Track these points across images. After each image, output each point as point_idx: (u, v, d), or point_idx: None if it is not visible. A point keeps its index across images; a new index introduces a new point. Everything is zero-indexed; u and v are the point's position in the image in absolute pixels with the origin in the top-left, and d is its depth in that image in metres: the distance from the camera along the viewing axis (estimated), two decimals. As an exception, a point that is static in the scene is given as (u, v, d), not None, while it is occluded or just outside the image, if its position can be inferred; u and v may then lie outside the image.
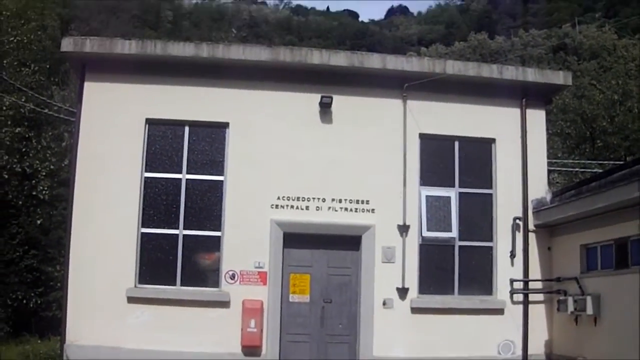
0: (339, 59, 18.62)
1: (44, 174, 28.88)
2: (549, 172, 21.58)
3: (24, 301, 28.73)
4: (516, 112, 19.41)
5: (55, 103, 30.95)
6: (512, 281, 18.73)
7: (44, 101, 29.65)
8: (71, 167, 18.71)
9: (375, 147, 18.59)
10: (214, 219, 18.22)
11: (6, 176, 28.42)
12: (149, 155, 18.39)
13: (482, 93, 19.19)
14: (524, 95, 19.39)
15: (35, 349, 21.51)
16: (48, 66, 33.34)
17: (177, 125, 18.56)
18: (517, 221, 18.92)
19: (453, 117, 19.05)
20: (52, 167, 29.09)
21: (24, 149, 29.44)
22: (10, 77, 29.06)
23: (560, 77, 19.89)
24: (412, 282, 18.31)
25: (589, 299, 16.85)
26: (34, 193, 28.85)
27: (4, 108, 28.23)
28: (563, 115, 40.58)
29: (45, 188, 28.64)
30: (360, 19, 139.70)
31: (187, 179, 18.35)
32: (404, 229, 18.38)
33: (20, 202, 29.69)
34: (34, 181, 29.03)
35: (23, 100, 28.66)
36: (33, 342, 24.76)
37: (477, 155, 19.35)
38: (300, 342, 18.15)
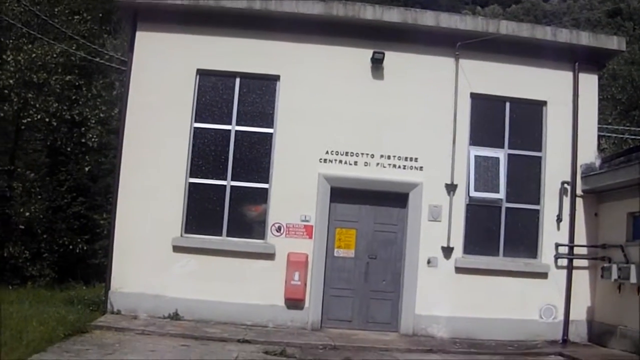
0: (392, 15, 18.48)
1: (93, 121, 29.04)
2: (599, 137, 21.30)
3: (71, 247, 29.07)
4: (568, 75, 19.17)
5: (106, 52, 31.08)
6: (557, 245, 18.65)
7: (95, 49, 29.78)
8: (121, 116, 18.86)
9: (425, 104, 18.49)
10: (262, 171, 18.30)
11: (55, 123, 28.63)
12: (199, 105, 18.49)
13: (535, 55, 18.96)
14: (577, 59, 19.11)
15: (80, 294, 21.71)
16: (100, 15, 33.39)
17: (228, 76, 18.61)
18: (565, 185, 18.80)
19: (505, 78, 18.88)
20: (102, 115, 29.26)
21: (74, 97, 29.62)
22: (61, 25, 29.15)
23: (614, 42, 19.57)
24: (458, 242, 18.34)
25: (633, 268, 16.79)
26: (83, 140, 29.06)
27: (54, 55, 28.34)
28: (614, 81, 40.05)
29: (95, 136, 28.82)
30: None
31: (236, 131, 18.42)
32: (451, 188, 18.35)
33: (69, 149, 29.99)
34: (83, 129, 29.22)
35: (74, 48, 28.77)
36: (78, 288, 25.05)
37: (528, 117, 19.20)
38: (343, 296, 18.28)
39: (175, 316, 17.52)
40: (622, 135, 34.66)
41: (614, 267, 17.38)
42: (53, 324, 14.46)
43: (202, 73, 18.55)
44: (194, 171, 18.27)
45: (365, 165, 18.26)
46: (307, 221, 18.01)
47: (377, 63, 18.42)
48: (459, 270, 18.25)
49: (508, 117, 19.09)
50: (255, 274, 17.77)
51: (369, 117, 18.37)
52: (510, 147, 18.99)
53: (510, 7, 61.68)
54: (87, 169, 29.77)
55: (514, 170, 18.91)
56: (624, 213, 17.87)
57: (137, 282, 17.70)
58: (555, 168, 18.86)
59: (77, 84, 29.92)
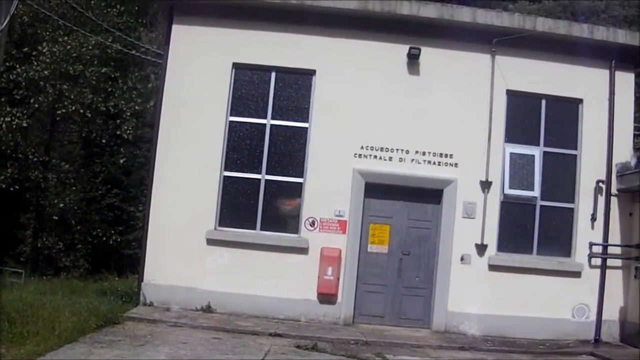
0: (429, 10, 18.32)
1: (128, 114, 29.36)
2: (635, 136, 21.13)
3: (104, 239, 29.30)
4: (605, 73, 18.96)
5: (142, 44, 31.22)
6: (591, 245, 18.49)
7: (132, 42, 29.96)
8: (156, 109, 18.98)
9: (461, 101, 18.40)
10: (297, 166, 18.31)
11: (90, 115, 28.85)
12: (234, 99, 18.50)
13: (572, 52, 18.74)
14: (614, 57, 18.87)
15: (113, 286, 21.89)
16: (136, 7, 33.61)
17: (264, 70, 18.60)
18: (600, 184, 18.64)
19: (541, 75, 18.74)
20: (137, 107, 29.57)
21: (109, 89, 29.90)
22: (97, 17, 29.36)
23: (651, 40, 19.38)
24: (491, 239, 18.26)
25: (667, 268, 16.66)
26: (118, 133, 29.36)
27: (90, 47, 28.56)
28: (650, 80, 39.61)
29: (130, 128, 29.09)
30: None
31: (271, 124, 18.43)
32: (486, 185, 18.27)
33: (104, 141, 30.27)
34: (118, 121, 29.53)
35: (110, 40, 28.98)
36: (111, 279, 25.23)
37: (564, 115, 19.04)
38: (375, 292, 18.26)
39: (207, 309, 17.59)
40: (658, 135, 34.32)
41: (648, 268, 17.27)
42: (85, 314, 14.54)
43: (238, 67, 18.56)
44: (228, 164, 18.30)
45: (400, 161, 18.20)
46: (341, 216, 18.00)
47: (413, 59, 18.35)
48: (492, 267, 18.17)
49: (544, 114, 18.94)
50: (289, 268, 17.80)
51: (404, 112, 18.29)
52: (545, 145, 18.84)
53: (541, 2, 60.83)
54: (121, 161, 30.02)
55: (549, 168, 18.79)
56: (659, 213, 17.75)
57: (170, 274, 17.80)
58: (591, 166, 18.70)
59: (112, 76, 30.26)
